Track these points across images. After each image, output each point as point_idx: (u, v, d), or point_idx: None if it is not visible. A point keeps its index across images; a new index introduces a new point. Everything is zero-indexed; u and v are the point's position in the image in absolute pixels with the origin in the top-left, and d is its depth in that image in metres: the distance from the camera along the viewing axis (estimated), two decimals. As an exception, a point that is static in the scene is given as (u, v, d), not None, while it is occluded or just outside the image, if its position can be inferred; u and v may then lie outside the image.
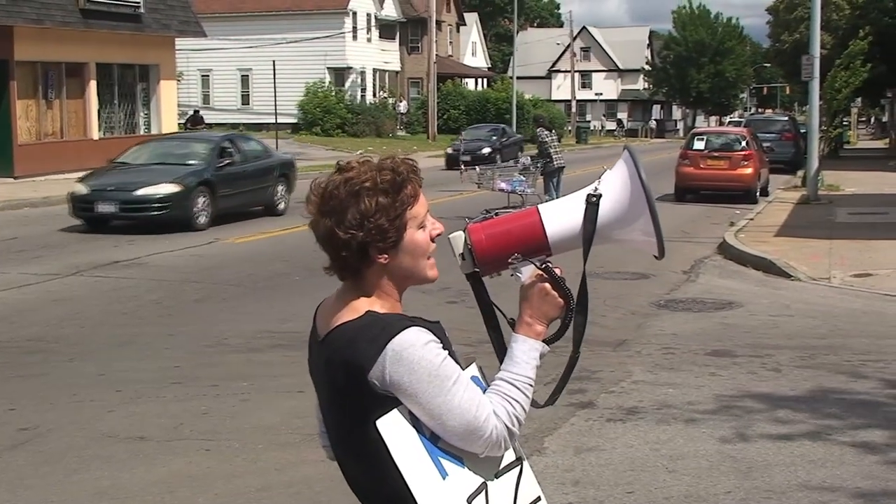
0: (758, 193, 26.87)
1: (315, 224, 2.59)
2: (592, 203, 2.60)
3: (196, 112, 39.61)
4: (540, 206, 2.67)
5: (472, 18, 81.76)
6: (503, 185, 21.79)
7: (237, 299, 12.67)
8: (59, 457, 6.99)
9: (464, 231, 2.66)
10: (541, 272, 2.61)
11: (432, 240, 2.63)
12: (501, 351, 2.67)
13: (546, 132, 21.96)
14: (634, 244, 2.70)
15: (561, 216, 2.63)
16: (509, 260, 2.63)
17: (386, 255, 2.56)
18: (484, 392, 2.55)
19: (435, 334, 2.53)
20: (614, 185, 2.62)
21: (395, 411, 2.46)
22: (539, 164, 21.94)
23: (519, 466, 2.63)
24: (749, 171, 26.66)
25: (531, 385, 2.57)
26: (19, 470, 6.77)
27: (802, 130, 34.71)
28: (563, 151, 22.81)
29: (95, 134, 31.65)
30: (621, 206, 2.61)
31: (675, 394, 8.52)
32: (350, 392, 2.50)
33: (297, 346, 9.78)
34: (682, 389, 8.65)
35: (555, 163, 21.66)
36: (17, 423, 7.72)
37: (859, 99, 62.29)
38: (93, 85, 31.42)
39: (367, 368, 2.46)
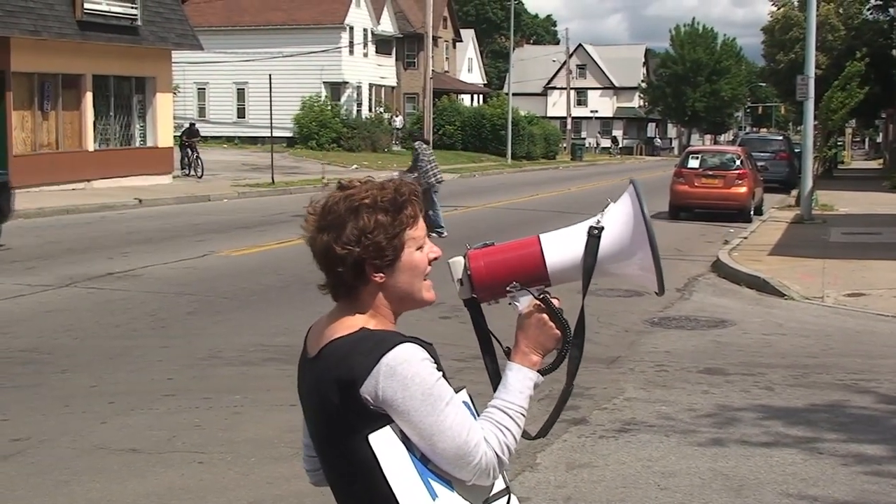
0: (752, 212, 26.94)
1: (312, 240, 2.58)
2: (594, 236, 2.60)
3: (192, 125, 39.59)
4: (541, 236, 2.66)
5: (468, 35, 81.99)
6: None
7: (231, 312, 12.66)
8: (50, 468, 6.98)
9: (464, 257, 2.66)
10: (539, 302, 2.61)
11: (429, 263, 2.63)
12: (496, 378, 2.65)
13: (424, 146, 21.65)
14: (634, 279, 2.70)
15: (562, 247, 2.63)
16: (507, 288, 2.62)
17: (382, 274, 2.54)
18: (475, 418, 2.54)
19: (429, 354, 2.52)
20: (617, 220, 2.62)
21: (387, 428, 2.44)
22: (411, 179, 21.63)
23: (507, 496, 2.61)
24: (743, 189, 26.74)
25: (523, 414, 2.55)
26: (10, 481, 6.75)
27: (797, 150, 34.81)
28: (439, 167, 22.13)
29: (91, 146, 31.60)
30: (623, 241, 2.61)
31: (667, 411, 8.53)
32: (342, 408, 2.48)
33: (290, 360, 9.78)
34: (675, 407, 8.66)
35: (431, 178, 21.19)
36: (9, 433, 7.70)
37: (854, 119, 62.49)
38: (89, 97, 31.40)
39: (359, 383, 2.43)
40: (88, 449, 7.39)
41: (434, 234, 20.16)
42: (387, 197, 2.55)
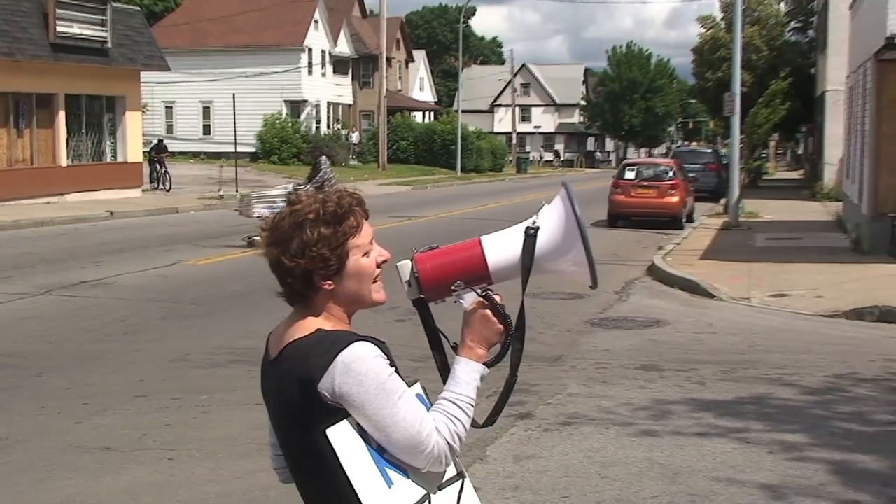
0: (684, 220, 27.15)
1: (266, 253, 2.60)
2: (531, 235, 2.61)
3: (160, 141, 39.31)
4: (482, 238, 2.67)
5: (420, 56, 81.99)
6: (263, 212, 20.19)
7: (198, 317, 12.59)
8: (27, 466, 6.91)
9: (411, 260, 2.68)
10: (482, 299, 2.62)
11: (378, 266, 2.63)
12: (445, 372, 2.67)
13: (327, 162, 21.06)
14: (569, 274, 2.71)
15: (501, 247, 2.64)
16: (452, 287, 2.63)
17: (330, 282, 2.55)
18: (428, 410, 2.56)
19: (382, 351, 2.53)
20: (551, 220, 2.64)
21: (344, 422, 2.45)
22: (301, 192, 21.00)
23: (461, 481, 2.63)
24: (676, 199, 26.94)
25: (472, 405, 2.57)
26: (-10, 479, 6.69)
27: (725, 162, 35.14)
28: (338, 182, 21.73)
29: (64, 161, 31.32)
30: (557, 239, 2.62)
31: (607, 405, 8.58)
32: (302, 405, 2.48)
33: (255, 362, 9.70)
34: (614, 401, 8.71)
35: None
36: (-12, 434, 7.63)
37: (777, 133, 63.15)
38: (62, 115, 31.10)
39: (317, 380, 2.44)
40: (64, 448, 7.33)
41: None
42: (329, 210, 2.55)
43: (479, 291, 2.63)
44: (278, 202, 20.43)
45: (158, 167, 37.15)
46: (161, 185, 36.40)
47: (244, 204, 20.84)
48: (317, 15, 59.53)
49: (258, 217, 20.13)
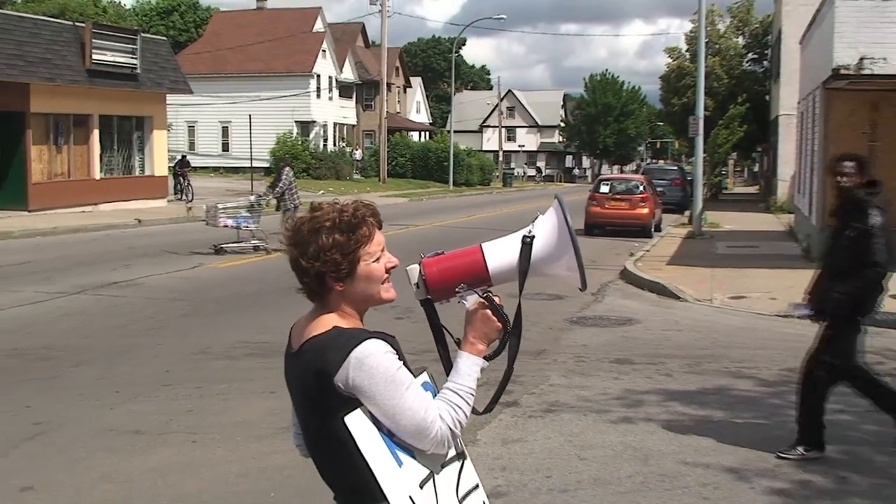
0: (653, 229, 27.18)
1: (287, 252, 2.61)
2: (527, 243, 2.62)
3: (183, 157, 39.23)
4: (483, 245, 2.67)
5: (416, 81, 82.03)
6: (228, 222, 20.03)
7: (218, 315, 12.57)
8: (67, 447, 6.90)
9: (419, 264, 2.69)
10: (483, 300, 2.62)
11: (387, 271, 2.62)
12: (448, 365, 2.67)
13: (290, 172, 20.73)
14: (561, 278, 2.71)
15: (500, 253, 2.64)
16: (456, 289, 2.64)
17: (341, 284, 2.55)
18: (434, 395, 2.57)
19: (391, 346, 2.53)
20: (546, 229, 2.64)
21: (358, 410, 2.45)
22: (264, 203, 20.44)
23: (461, 460, 2.64)
24: (645, 210, 26.98)
25: (472, 394, 2.57)
26: (35, 457, 6.68)
27: (689, 178, 35.18)
28: (299, 193, 21.11)
29: (98, 174, 31.33)
30: (551, 246, 2.62)
31: (585, 394, 8.58)
32: (320, 394, 2.49)
33: (269, 355, 9.75)
34: (591, 391, 8.72)
35: (297, 200, 20.41)
36: (32, 418, 7.60)
37: (735, 152, 63.26)
38: (96, 133, 31.11)
39: (333, 373, 2.44)
40: (99, 431, 7.32)
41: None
42: (344, 219, 2.54)
43: (480, 293, 2.63)
44: (242, 212, 20.23)
45: (182, 180, 37.08)
46: (184, 196, 36.31)
47: (210, 215, 20.29)
48: (324, 45, 59.59)
49: (224, 226, 19.92)
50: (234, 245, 19.61)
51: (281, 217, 19.70)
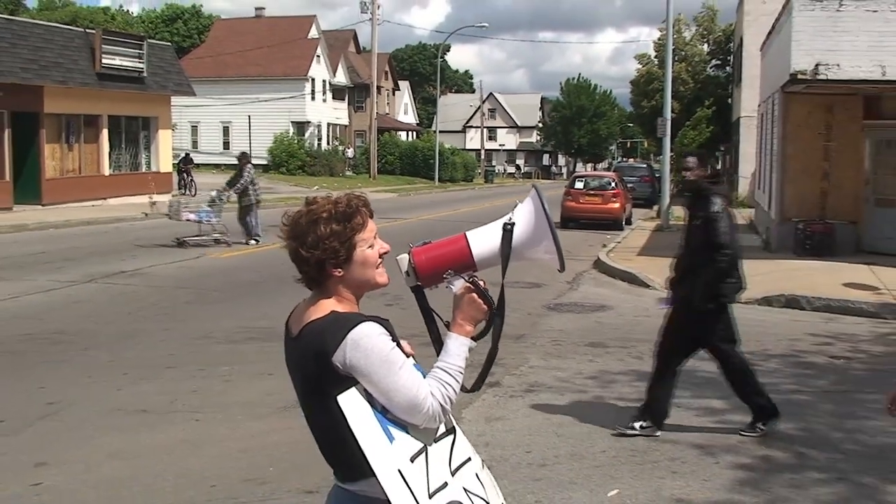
0: (624, 223, 27.24)
1: (286, 245, 2.59)
2: (508, 230, 2.61)
3: (187, 155, 39.11)
4: (467, 233, 2.66)
5: (404, 85, 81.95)
6: (190, 216, 19.42)
7: (220, 302, 12.51)
8: (78, 426, 6.85)
9: (408, 254, 2.67)
10: (469, 285, 2.61)
11: (380, 256, 2.62)
12: (438, 345, 2.66)
13: (251, 168, 20.13)
14: (541, 261, 2.72)
15: (483, 240, 2.63)
16: (444, 275, 2.62)
17: (340, 270, 2.54)
18: (423, 377, 2.56)
19: (385, 328, 2.52)
20: (524, 216, 2.63)
21: (352, 389, 2.44)
22: (225, 198, 19.65)
23: (453, 434, 2.63)
24: (617, 205, 27.03)
25: (461, 372, 2.56)
26: (48, 435, 6.62)
27: (657, 175, 35.27)
28: (260, 188, 20.62)
29: (107, 171, 31.27)
30: (530, 232, 2.62)
31: (562, 375, 8.59)
32: (318, 375, 2.47)
33: (268, 339, 9.70)
34: (568, 372, 8.72)
35: (259, 195, 19.97)
36: (45, 398, 7.55)
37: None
38: (105, 132, 31.03)
39: (331, 354, 2.43)
40: (108, 410, 7.27)
41: (253, 242, 19.37)
42: (339, 210, 2.54)
43: (466, 278, 2.62)
44: (203, 207, 19.82)
45: (185, 176, 37.00)
46: (187, 192, 36.18)
47: (174, 210, 19.83)
48: (319, 51, 59.38)
49: (187, 220, 19.49)
50: (196, 238, 19.35)
51: (238, 212, 19.59)
